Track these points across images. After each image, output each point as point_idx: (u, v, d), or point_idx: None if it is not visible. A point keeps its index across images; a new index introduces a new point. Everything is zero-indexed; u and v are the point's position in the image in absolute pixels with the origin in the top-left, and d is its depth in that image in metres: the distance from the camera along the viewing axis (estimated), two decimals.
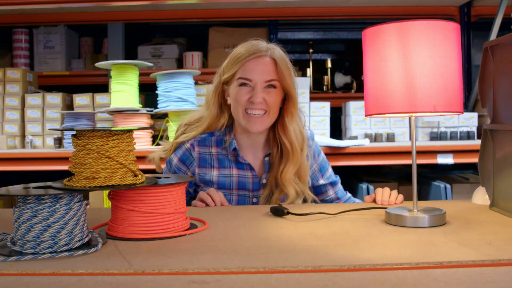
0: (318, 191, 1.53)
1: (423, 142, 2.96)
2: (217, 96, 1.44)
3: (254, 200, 1.44)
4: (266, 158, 1.44)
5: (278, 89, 1.37)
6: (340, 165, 2.77)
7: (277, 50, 1.38)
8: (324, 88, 4.01)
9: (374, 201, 1.35)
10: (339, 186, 1.57)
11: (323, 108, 3.17)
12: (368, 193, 2.99)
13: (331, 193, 1.53)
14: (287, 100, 1.40)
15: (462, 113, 1.03)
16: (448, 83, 0.98)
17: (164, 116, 2.84)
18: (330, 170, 1.56)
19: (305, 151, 1.42)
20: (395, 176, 3.49)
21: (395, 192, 1.33)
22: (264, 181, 1.43)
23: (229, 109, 1.43)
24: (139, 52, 3.58)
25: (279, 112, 1.41)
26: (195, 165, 1.44)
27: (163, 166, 1.53)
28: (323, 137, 3.10)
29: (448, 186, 2.80)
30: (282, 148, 1.41)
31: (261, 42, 1.40)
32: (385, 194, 1.33)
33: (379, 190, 1.35)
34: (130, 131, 0.96)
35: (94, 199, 2.51)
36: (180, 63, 3.54)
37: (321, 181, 1.52)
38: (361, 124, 3.11)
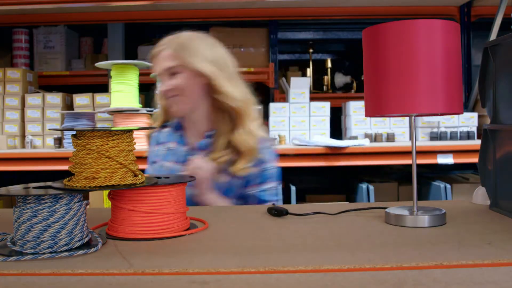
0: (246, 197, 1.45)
1: (423, 142, 2.96)
2: None
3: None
4: (208, 133, 1.47)
5: (185, 72, 1.41)
6: (340, 165, 2.77)
7: (177, 38, 1.43)
8: (324, 88, 4.01)
9: None
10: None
11: (323, 108, 3.17)
12: (368, 193, 2.99)
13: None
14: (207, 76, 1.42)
15: (462, 113, 1.03)
16: (448, 83, 0.98)
17: None
18: (272, 189, 1.45)
19: (250, 108, 1.45)
20: (395, 176, 3.49)
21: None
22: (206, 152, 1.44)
23: None
24: (139, 52, 3.58)
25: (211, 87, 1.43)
26: (154, 144, 1.59)
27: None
28: (323, 137, 3.10)
29: (448, 186, 2.80)
30: (230, 111, 1.43)
31: (166, 38, 1.45)
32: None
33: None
34: (130, 131, 0.96)
35: (94, 199, 2.51)
36: None
37: (252, 189, 1.43)
38: (361, 124, 3.11)
